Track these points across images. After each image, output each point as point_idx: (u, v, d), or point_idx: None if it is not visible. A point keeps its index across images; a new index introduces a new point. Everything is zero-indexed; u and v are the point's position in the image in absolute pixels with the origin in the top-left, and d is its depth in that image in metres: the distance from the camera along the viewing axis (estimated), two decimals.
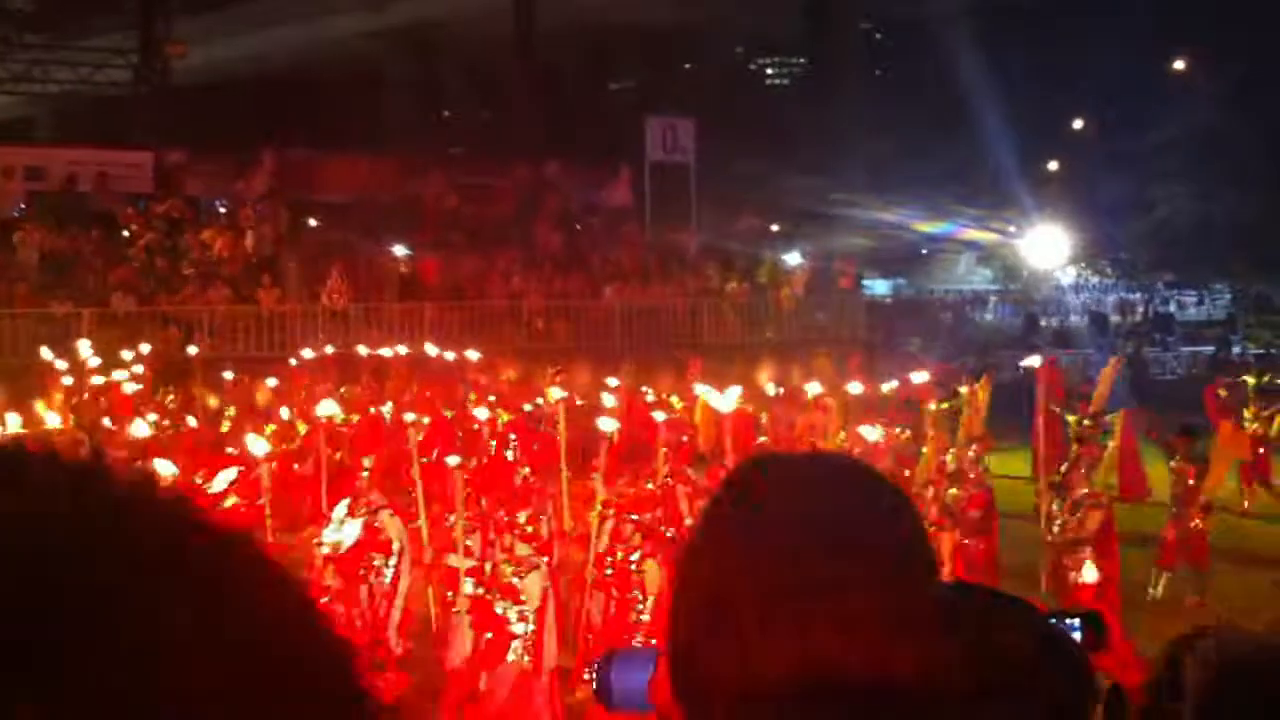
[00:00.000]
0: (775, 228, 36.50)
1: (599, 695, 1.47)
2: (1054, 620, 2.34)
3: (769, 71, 60.09)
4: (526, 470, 11.50)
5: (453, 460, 10.71)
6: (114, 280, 23.58)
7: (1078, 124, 43.29)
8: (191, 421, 17.14)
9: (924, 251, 43.53)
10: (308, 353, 19.86)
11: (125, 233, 25.68)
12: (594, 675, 1.46)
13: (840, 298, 28.99)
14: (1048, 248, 38.86)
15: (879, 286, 38.97)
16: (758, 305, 27.98)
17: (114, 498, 0.71)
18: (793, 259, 29.62)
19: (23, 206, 26.20)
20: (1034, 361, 14.76)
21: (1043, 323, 35.97)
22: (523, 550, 9.60)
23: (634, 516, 10.29)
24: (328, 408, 13.16)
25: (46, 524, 0.66)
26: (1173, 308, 39.03)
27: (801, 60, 54.55)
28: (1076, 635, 2.31)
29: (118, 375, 16.69)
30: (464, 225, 28.93)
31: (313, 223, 28.08)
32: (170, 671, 0.64)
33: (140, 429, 14.01)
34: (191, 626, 0.65)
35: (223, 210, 27.58)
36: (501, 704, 9.29)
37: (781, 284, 28.61)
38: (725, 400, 12.30)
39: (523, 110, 36.53)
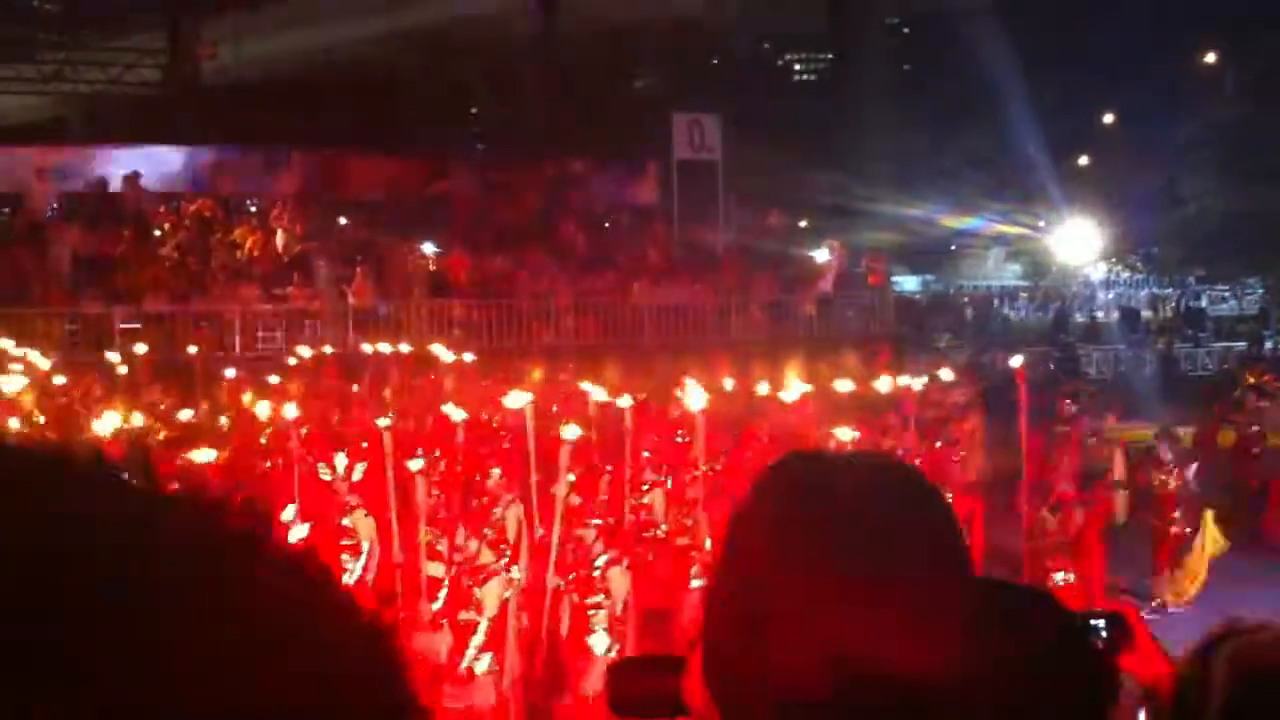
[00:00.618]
0: (803, 224, 36.44)
1: (613, 703, 1.46)
2: (1080, 620, 2.34)
3: (795, 67, 59.92)
4: (498, 472, 11.41)
5: (415, 464, 10.66)
6: (146, 279, 23.76)
7: (1108, 118, 43.03)
8: (222, 421, 17.20)
9: (953, 247, 43.36)
10: (305, 350, 19.64)
11: (157, 232, 25.86)
12: (607, 682, 1.45)
13: (870, 294, 28.92)
14: (1077, 243, 38.65)
15: (908, 283, 38.86)
16: (787, 302, 27.95)
17: (135, 500, 0.71)
18: (821, 256, 29.57)
19: (55, 206, 26.39)
20: (1015, 362, 14.73)
21: (1073, 318, 35.78)
22: (487, 557, 9.57)
23: (595, 521, 10.26)
24: (292, 410, 13.21)
25: (55, 524, 0.66)
26: (1204, 303, 38.76)
27: (828, 56, 54.37)
28: (1103, 635, 2.30)
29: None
30: (491, 223, 29.00)
31: (342, 221, 28.20)
32: (175, 679, 0.63)
33: (107, 425, 14.09)
34: (207, 632, 0.65)
35: (253, 209, 27.72)
36: (464, 713, 9.23)
37: (810, 282, 28.58)
38: (696, 399, 12.05)
39: (547, 107, 36.57)
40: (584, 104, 37.27)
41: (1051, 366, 31.10)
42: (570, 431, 10.44)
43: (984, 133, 38.60)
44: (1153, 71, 39.00)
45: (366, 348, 20.22)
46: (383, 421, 11.53)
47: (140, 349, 18.68)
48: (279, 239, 26.15)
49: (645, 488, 11.62)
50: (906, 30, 52.85)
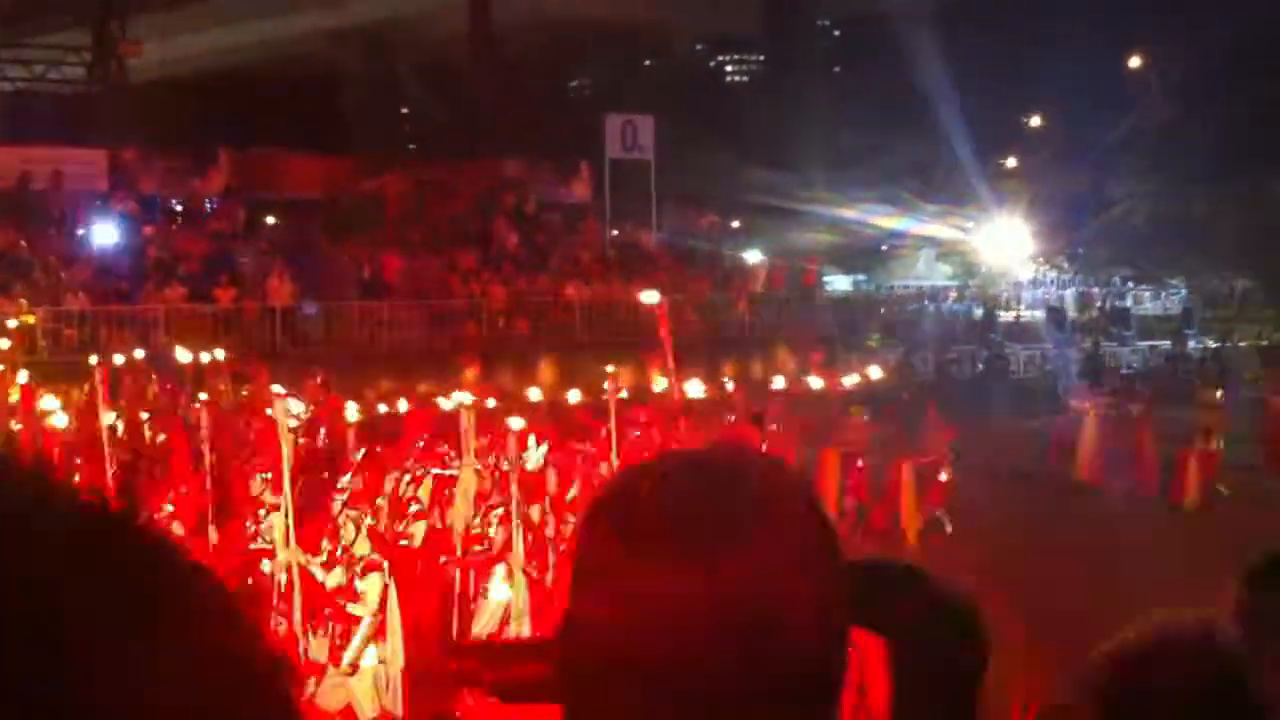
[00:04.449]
0: (735, 224, 36.57)
1: (495, 690, 1.46)
2: (950, 595, 2.40)
3: (728, 69, 60.21)
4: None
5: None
6: (69, 280, 23.39)
7: (1035, 121, 43.62)
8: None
9: (884, 248, 43.71)
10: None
11: (80, 231, 25.47)
12: (489, 669, 1.44)
13: (801, 294, 29.13)
14: (1006, 243, 39.14)
15: (840, 283, 39.15)
16: (719, 302, 28.07)
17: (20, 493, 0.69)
18: (752, 256, 29.72)
19: None
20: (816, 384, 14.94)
21: (1000, 318, 36.25)
22: (363, 549, 9.51)
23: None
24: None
25: None
26: (1129, 303, 39.36)
27: (760, 57, 54.68)
28: None
29: None
30: (424, 223, 28.85)
31: (271, 220, 27.92)
32: (81, 677, 0.62)
33: None
34: (103, 629, 0.64)
35: (179, 208, 27.38)
36: (336, 709, 9.12)
37: (741, 283, 28.75)
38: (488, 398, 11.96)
39: (482, 107, 36.46)
40: (518, 104, 37.21)
41: (980, 366, 31.48)
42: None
43: (915, 135, 38.94)
44: (1081, 74, 39.55)
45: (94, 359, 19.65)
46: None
47: None
48: (205, 239, 25.84)
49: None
50: (838, 33, 53.26)
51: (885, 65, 41.19)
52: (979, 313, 36.59)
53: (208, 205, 27.44)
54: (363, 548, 9.67)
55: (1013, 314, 36.85)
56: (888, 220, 40.28)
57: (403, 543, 10.96)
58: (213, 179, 27.84)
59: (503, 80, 37.49)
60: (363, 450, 13.19)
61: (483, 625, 10.14)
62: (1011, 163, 42.97)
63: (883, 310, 36.03)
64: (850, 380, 21.76)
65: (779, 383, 19.48)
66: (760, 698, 1.11)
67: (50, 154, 26.93)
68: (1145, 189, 41.36)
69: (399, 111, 47.33)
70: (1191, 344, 34.53)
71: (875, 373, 22.48)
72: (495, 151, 32.11)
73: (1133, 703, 2.03)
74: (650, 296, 10.90)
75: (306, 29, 40.87)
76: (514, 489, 10.29)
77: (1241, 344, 33.63)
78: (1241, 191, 39.97)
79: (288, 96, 39.47)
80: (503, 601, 10.07)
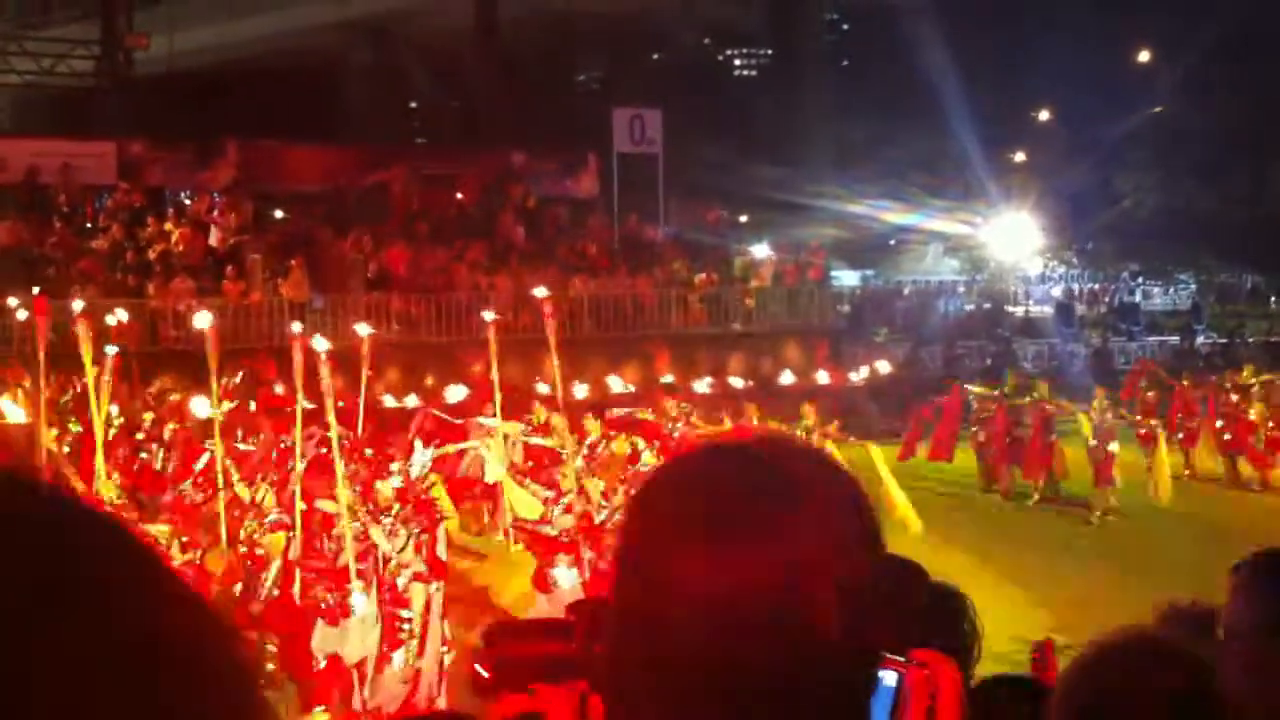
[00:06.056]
0: (743, 219, 36.55)
1: (493, 668, 1.46)
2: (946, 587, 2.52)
3: (736, 62, 60.11)
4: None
5: None
6: (76, 272, 23.41)
7: (1044, 115, 43.55)
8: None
9: (892, 242, 43.69)
10: None
11: (88, 225, 25.50)
12: (482, 649, 1.44)
13: (809, 289, 29.11)
14: (1014, 238, 39.11)
15: (848, 277, 39.14)
16: (726, 296, 28.06)
17: None
18: (760, 250, 29.71)
19: None
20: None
21: (1009, 312, 36.26)
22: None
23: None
24: None
25: None
26: (1138, 297, 39.33)
27: (768, 52, 54.60)
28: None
29: None
30: (430, 216, 28.84)
31: (278, 214, 27.92)
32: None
33: None
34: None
35: (186, 201, 27.39)
36: None
37: (750, 277, 28.73)
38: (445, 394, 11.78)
39: (488, 100, 36.44)
40: (524, 96, 37.20)
41: (988, 360, 31.46)
42: None
43: (923, 129, 38.92)
44: (1089, 68, 39.50)
45: None
46: None
47: None
48: (213, 231, 25.85)
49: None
50: (846, 27, 53.21)
51: (893, 60, 41.17)
52: (987, 307, 36.58)
53: (215, 198, 27.45)
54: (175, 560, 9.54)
55: (1021, 309, 36.82)
56: (895, 215, 40.29)
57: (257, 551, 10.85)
58: (220, 171, 27.84)
59: (509, 73, 37.46)
60: (205, 456, 12.49)
61: (351, 646, 9.85)
62: (1020, 157, 42.90)
63: (888, 305, 36.02)
64: (858, 375, 21.79)
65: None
66: (793, 689, 1.11)
67: (58, 147, 26.99)
68: (1153, 183, 41.30)
69: (405, 104, 47.31)
70: (1200, 339, 34.52)
71: (884, 367, 22.50)
72: (501, 144, 32.09)
73: (1106, 708, 2.02)
74: (540, 291, 11.17)
75: (313, 22, 40.87)
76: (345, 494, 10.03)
77: (1250, 339, 33.60)
78: (1250, 185, 39.96)
79: (294, 89, 39.47)
80: (361, 616, 9.83)
